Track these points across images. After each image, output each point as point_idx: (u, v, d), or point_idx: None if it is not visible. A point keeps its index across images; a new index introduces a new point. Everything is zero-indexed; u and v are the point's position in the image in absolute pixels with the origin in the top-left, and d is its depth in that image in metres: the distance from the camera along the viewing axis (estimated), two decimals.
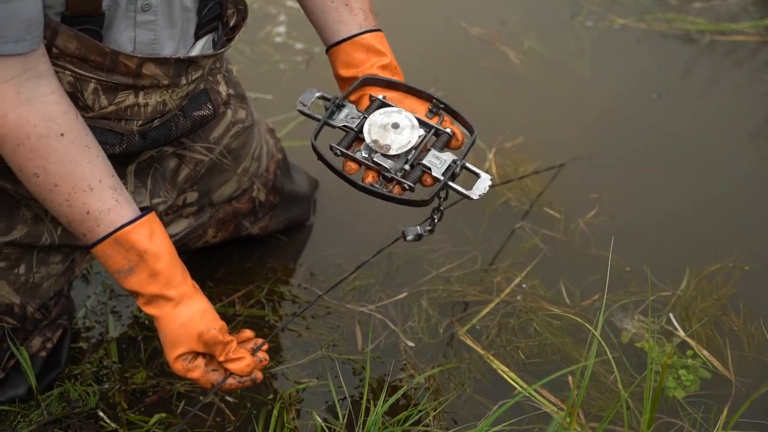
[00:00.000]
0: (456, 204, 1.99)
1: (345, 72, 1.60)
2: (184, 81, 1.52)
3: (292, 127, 2.39)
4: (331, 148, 1.52)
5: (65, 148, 1.33)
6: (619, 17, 2.86)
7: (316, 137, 1.53)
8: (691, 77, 2.66)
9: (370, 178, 1.51)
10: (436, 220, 1.65)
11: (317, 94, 1.60)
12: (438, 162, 1.52)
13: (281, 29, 2.81)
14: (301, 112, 1.59)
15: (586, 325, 1.75)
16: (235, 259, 2.05)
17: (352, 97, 1.58)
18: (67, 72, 1.39)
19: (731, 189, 2.29)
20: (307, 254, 2.09)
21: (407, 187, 1.50)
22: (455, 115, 1.59)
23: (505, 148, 2.37)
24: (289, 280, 2.02)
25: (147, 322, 1.89)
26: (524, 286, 2.00)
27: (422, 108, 1.58)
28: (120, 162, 1.62)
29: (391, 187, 1.50)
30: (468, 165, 1.52)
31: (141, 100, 1.49)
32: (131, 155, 1.62)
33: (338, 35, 1.60)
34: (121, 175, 1.65)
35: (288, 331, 1.90)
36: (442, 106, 1.58)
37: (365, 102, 1.57)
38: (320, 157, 1.52)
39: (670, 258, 2.08)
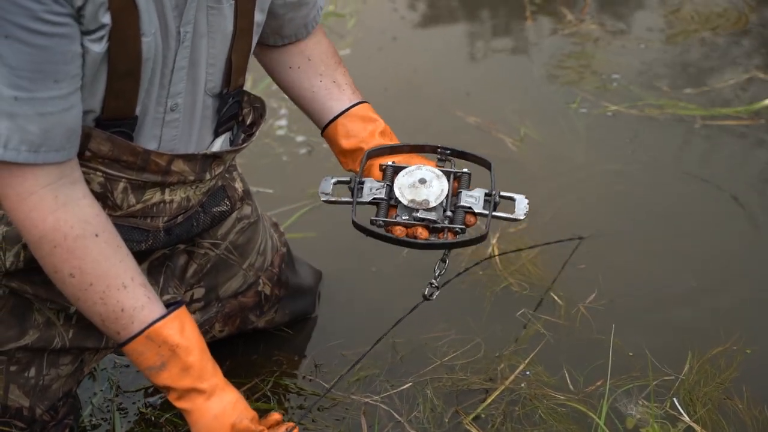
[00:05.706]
0: (453, 286, 2.01)
1: (347, 144, 1.67)
2: (208, 176, 1.58)
3: (295, 219, 2.43)
4: (373, 222, 1.56)
5: (100, 248, 1.38)
6: (612, 104, 2.93)
7: (356, 217, 1.56)
8: (686, 159, 2.71)
9: (423, 234, 1.55)
10: (443, 270, 1.67)
11: (333, 181, 1.65)
12: (474, 200, 1.59)
13: (283, 122, 2.89)
14: (327, 201, 1.63)
15: (591, 414, 1.75)
16: (241, 351, 2.06)
17: (364, 173, 1.64)
18: (98, 173, 1.44)
19: (729, 270, 2.31)
20: (312, 346, 2.10)
21: (459, 231, 1.56)
22: (465, 156, 1.66)
23: (507, 234, 2.40)
24: (294, 372, 2.04)
25: (153, 418, 1.90)
26: (528, 373, 2.01)
27: (430, 161, 1.65)
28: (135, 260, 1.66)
29: (444, 237, 1.55)
30: (503, 193, 1.61)
31: (167, 196, 1.54)
32: (146, 253, 1.65)
33: (332, 112, 1.68)
34: None
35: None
36: (448, 152, 1.65)
37: (376, 173, 1.63)
38: (369, 233, 1.55)
39: (671, 341, 2.09)
